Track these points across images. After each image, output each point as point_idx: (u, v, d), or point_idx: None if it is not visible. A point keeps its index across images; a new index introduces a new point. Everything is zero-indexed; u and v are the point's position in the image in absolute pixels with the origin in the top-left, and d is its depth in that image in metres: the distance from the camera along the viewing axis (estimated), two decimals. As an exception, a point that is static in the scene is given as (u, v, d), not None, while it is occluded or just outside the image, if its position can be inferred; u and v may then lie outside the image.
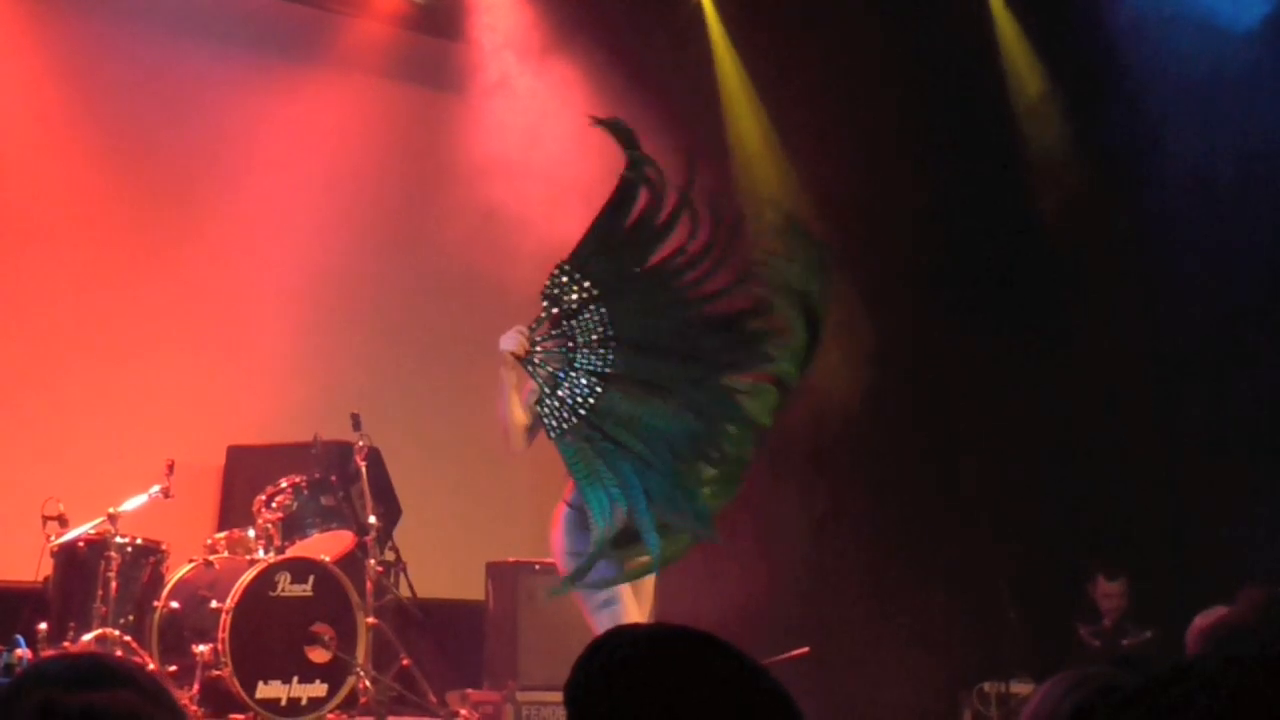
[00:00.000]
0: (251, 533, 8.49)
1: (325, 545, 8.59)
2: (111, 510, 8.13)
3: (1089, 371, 10.35)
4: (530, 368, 6.59)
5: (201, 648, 7.98)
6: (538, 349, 6.60)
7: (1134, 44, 9.58)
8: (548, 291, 6.60)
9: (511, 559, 9.39)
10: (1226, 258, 9.71)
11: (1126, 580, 9.49)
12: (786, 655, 9.34)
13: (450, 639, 9.69)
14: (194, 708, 7.89)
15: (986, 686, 9.81)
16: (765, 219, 7.00)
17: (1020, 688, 9.60)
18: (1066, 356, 10.40)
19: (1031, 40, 10.57)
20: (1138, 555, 9.61)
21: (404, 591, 9.19)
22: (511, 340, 6.60)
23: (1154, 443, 10.04)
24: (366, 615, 8.42)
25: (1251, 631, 2.80)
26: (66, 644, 7.90)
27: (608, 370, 6.49)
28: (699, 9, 11.02)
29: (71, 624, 8.01)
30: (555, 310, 6.60)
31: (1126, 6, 9.67)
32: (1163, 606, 8.83)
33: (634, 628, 2.39)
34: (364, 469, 8.79)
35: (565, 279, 6.59)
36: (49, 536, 8.14)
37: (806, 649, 9.34)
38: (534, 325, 6.64)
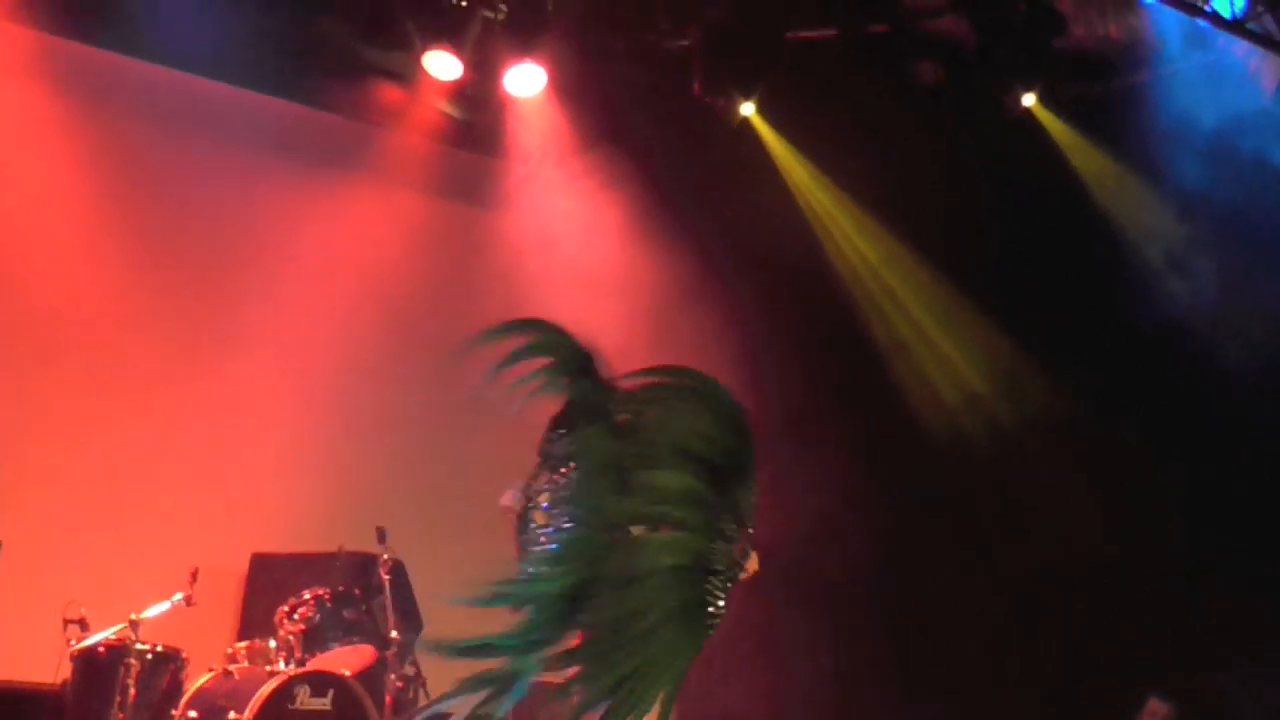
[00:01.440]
0: (273, 643, 8.44)
1: (346, 658, 8.54)
2: (133, 616, 8.11)
3: (1129, 488, 10.26)
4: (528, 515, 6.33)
5: (218, 759, 7.92)
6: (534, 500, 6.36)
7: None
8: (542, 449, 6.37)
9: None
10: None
11: (1175, 707, 9.18)
12: None
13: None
14: (207, 820, 7.84)
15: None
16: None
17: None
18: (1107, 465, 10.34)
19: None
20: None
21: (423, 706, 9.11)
22: (508, 498, 6.41)
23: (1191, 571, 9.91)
24: (385, 731, 8.37)
25: None
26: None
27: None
28: (746, 125, 11.09)
29: (88, 730, 7.97)
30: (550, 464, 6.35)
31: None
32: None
33: None
34: (388, 582, 8.76)
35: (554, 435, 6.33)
36: (69, 640, 8.12)
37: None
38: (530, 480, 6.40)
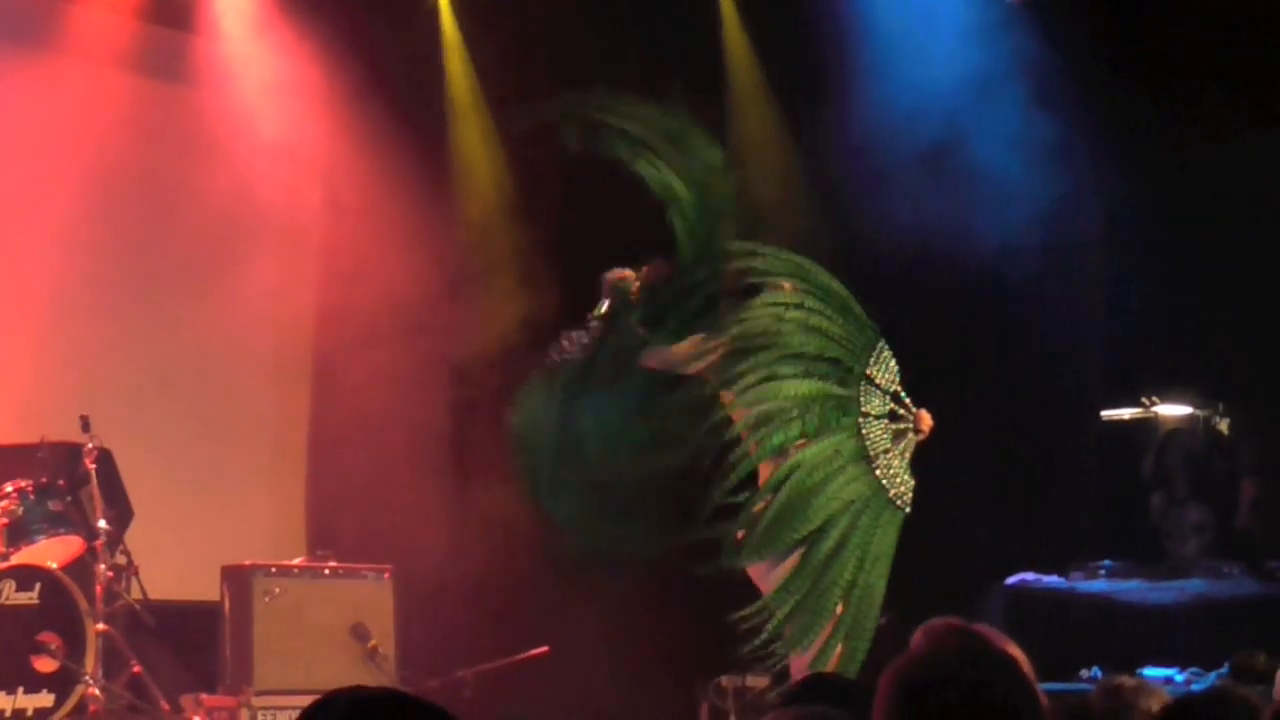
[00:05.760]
0: (-26, 538, 8.24)
1: (53, 551, 8.37)
2: None
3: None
4: None
5: (-80, 659, 7.73)
6: None
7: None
8: None
9: (247, 562, 9.25)
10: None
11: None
12: (525, 655, 9.38)
13: (185, 643, 9.52)
14: (-88, 722, 7.67)
15: (724, 681, 9.94)
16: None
17: (757, 681, 9.75)
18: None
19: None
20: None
21: (136, 595, 9.00)
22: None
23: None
24: (96, 622, 8.24)
25: (945, 678, 2.82)
26: None
27: None
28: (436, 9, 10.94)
29: None
30: None
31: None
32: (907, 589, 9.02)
33: (342, 695, 2.41)
34: (93, 472, 8.60)
35: None
36: None
37: (546, 649, 9.39)
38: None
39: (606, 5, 10.19)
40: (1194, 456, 9.40)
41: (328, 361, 10.77)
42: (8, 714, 7.86)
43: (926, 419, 6.31)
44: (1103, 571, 9.01)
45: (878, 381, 6.16)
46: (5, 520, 8.25)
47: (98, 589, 8.40)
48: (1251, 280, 8.87)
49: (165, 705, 8.53)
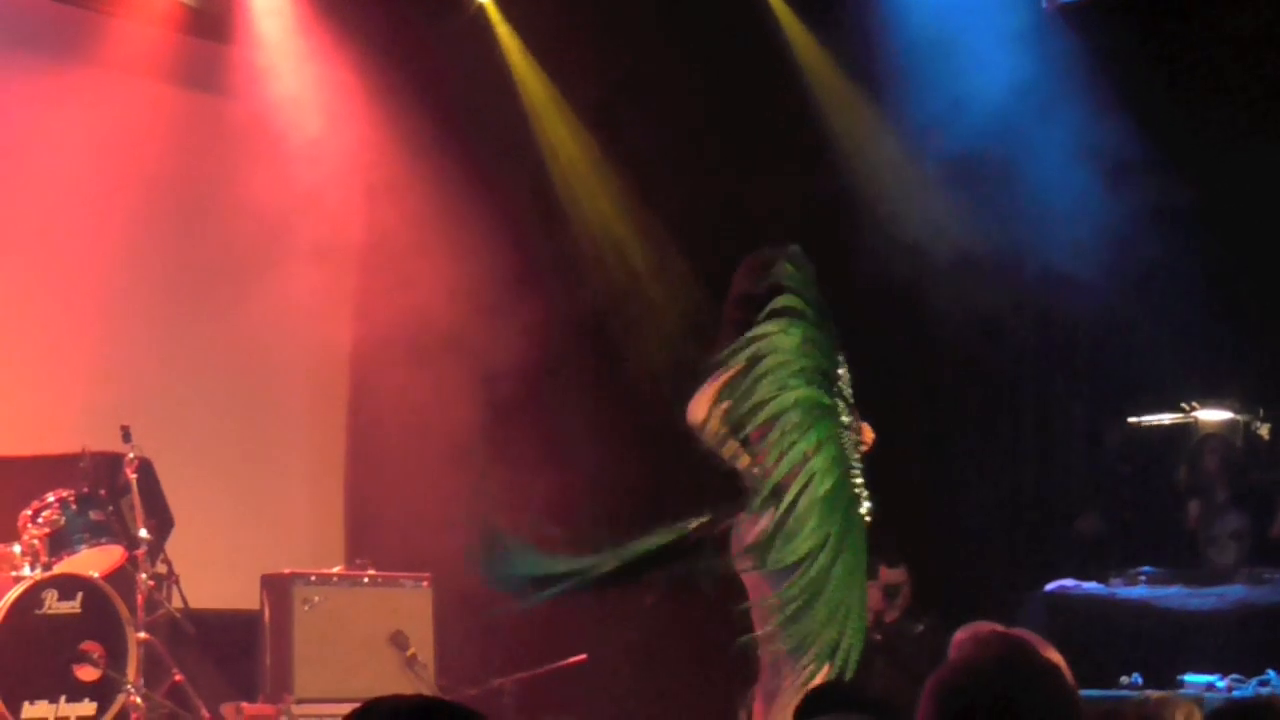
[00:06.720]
0: (17, 548, 8.30)
1: (94, 561, 8.43)
2: None
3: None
4: None
5: (-36, 668, 7.78)
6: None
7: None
8: None
9: (287, 570, 9.30)
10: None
11: (907, 568, 9.48)
12: (563, 663, 9.40)
13: (225, 651, 9.57)
14: (-44, 730, 7.71)
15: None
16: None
17: (794, 689, 9.73)
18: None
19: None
20: (914, 546, 9.64)
21: (176, 604, 9.05)
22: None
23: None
24: (137, 631, 8.30)
25: (988, 686, 2.82)
26: None
27: None
28: (481, 11, 10.94)
29: None
30: None
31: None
32: (941, 596, 9.01)
33: (383, 703, 2.45)
34: (134, 481, 8.65)
35: None
36: None
37: (584, 657, 9.40)
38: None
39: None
40: (1232, 462, 9.36)
41: (366, 370, 10.83)
42: (51, 722, 7.93)
43: (869, 432, 6.31)
44: (1143, 578, 8.97)
45: (844, 391, 6.16)
46: (47, 530, 8.30)
47: (139, 598, 8.47)
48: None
49: (206, 714, 8.58)
